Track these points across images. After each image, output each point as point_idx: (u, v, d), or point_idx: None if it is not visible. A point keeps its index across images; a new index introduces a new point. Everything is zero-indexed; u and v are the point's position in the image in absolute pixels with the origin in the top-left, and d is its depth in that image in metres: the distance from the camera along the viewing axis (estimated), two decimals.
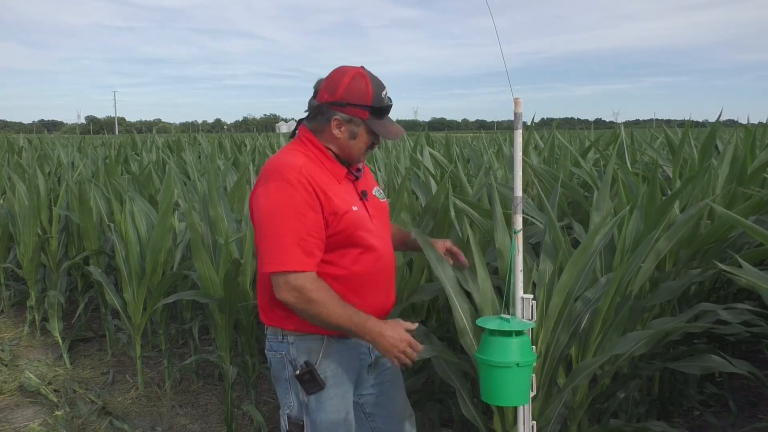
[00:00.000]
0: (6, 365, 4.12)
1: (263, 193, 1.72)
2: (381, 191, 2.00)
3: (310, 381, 1.81)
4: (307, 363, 1.81)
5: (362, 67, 1.81)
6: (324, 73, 1.85)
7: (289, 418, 1.87)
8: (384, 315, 1.92)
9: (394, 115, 1.89)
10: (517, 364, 1.57)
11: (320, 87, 1.82)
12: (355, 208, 1.80)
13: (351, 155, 1.84)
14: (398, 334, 1.74)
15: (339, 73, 1.79)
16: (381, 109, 1.79)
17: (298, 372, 1.81)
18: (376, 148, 1.90)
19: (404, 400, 2.08)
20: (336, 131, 1.79)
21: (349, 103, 1.76)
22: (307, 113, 1.87)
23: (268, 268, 1.69)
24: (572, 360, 2.06)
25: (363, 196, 1.88)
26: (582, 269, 1.94)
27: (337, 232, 1.76)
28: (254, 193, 1.77)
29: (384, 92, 1.80)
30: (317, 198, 1.71)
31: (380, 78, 1.83)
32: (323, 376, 1.82)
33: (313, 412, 1.83)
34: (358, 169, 1.91)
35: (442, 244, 2.10)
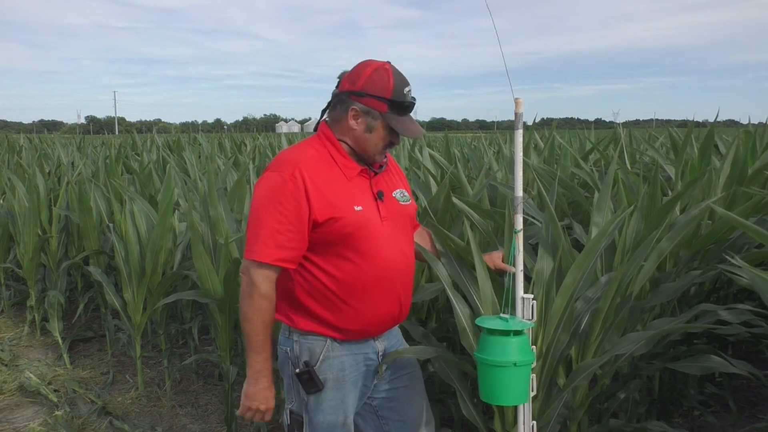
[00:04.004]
0: (6, 365, 4.12)
1: (258, 183, 1.76)
2: (405, 194, 1.91)
3: (309, 381, 1.80)
4: (306, 363, 1.80)
5: (388, 62, 1.79)
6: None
7: (291, 412, 1.88)
8: (390, 324, 1.88)
9: None
10: (515, 364, 1.56)
11: (343, 77, 1.80)
12: (358, 209, 1.74)
13: (366, 150, 1.79)
14: (259, 398, 1.78)
15: (363, 64, 1.78)
16: (401, 104, 1.74)
17: (297, 371, 1.81)
18: (394, 148, 1.81)
19: (421, 407, 1.99)
20: (352, 122, 1.76)
21: (368, 94, 1.73)
22: (328, 103, 1.85)
23: (244, 254, 1.74)
24: (572, 360, 2.06)
25: (378, 196, 1.81)
26: (586, 270, 1.93)
27: (331, 230, 1.72)
28: (256, 182, 1.82)
29: (407, 89, 1.76)
30: (306, 195, 1.69)
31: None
32: (323, 377, 1.80)
33: (311, 411, 1.83)
34: (381, 166, 1.86)
35: (498, 256, 1.98)
